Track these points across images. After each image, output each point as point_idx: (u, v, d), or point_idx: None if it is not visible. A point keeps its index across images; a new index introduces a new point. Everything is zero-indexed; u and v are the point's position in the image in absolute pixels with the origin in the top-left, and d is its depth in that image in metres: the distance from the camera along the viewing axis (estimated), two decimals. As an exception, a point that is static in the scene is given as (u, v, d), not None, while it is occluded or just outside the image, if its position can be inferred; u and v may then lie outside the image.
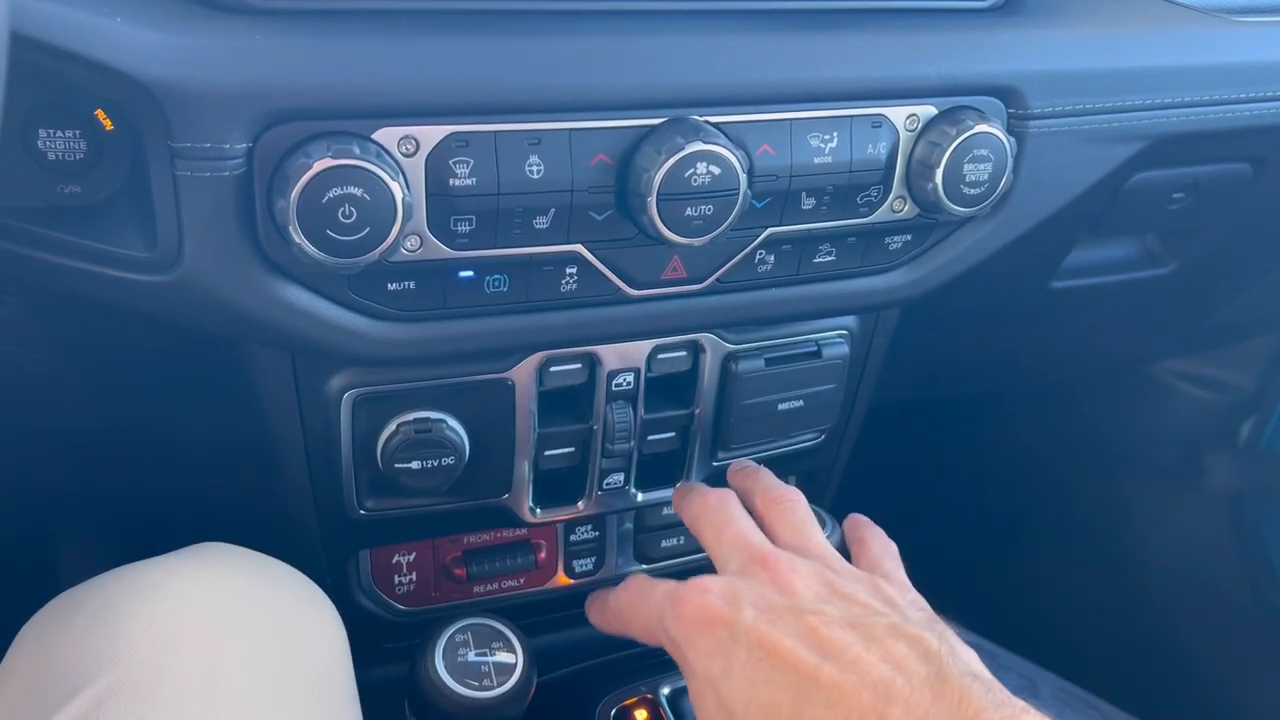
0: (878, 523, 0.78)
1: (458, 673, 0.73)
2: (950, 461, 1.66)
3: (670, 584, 0.67)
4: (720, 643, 0.60)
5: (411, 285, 0.65)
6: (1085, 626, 1.53)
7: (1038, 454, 1.57)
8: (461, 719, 0.72)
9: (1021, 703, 0.53)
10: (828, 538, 0.74)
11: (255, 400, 0.76)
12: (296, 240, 0.57)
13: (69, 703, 0.53)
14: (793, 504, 0.72)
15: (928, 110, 0.71)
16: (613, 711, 0.87)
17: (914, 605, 0.63)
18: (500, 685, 0.73)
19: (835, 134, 0.69)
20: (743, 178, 0.65)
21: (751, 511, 0.74)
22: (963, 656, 0.57)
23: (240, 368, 0.74)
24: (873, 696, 0.54)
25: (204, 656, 0.57)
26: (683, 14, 0.67)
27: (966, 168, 0.70)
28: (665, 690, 0.88)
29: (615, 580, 0.94)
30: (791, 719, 0.55)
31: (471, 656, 0.74)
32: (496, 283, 0.67)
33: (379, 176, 0.57)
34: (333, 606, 0.69)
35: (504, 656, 0.75)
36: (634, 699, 0.88)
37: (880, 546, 0.72)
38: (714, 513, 0.71)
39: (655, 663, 0.85)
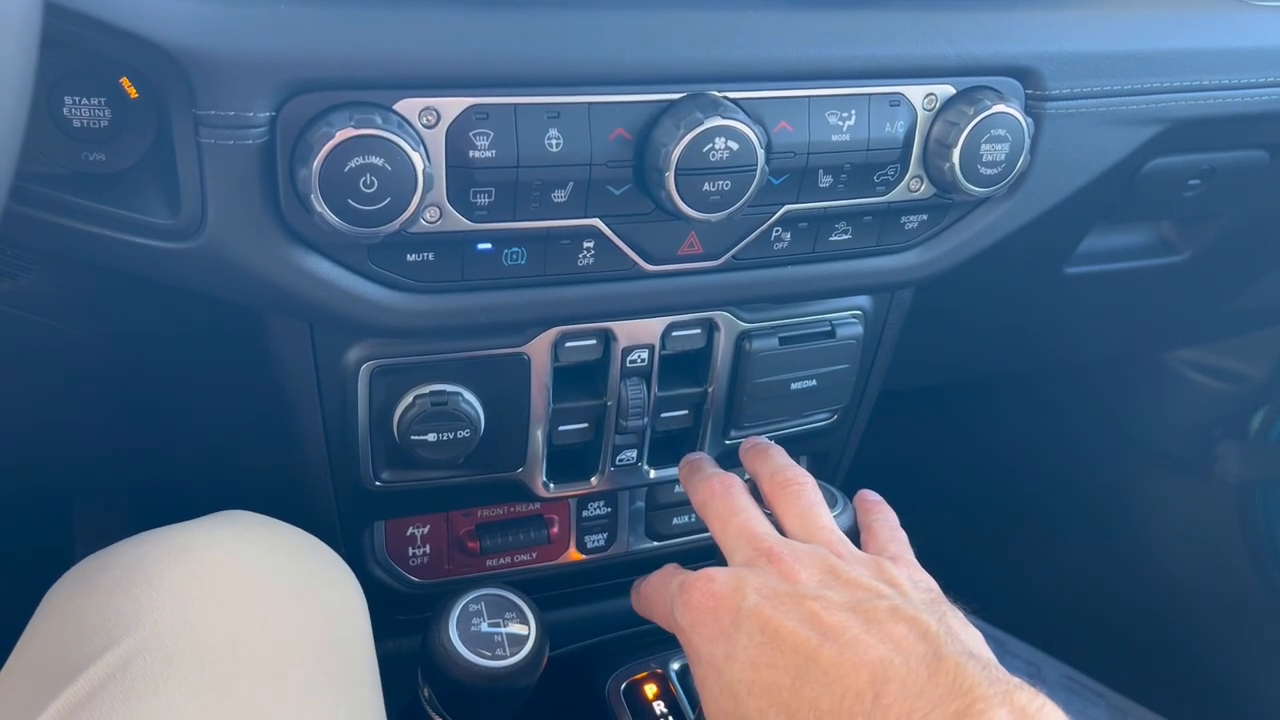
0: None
1: (471, 642, 0.73)
2: (960, 446, 1.66)
3: (686, 574, 0.68)
4: (724, 628, 0.61)
5: (430, 256, 0.66)
6: (1092, 613, 1.53)
7: (1048, 440, 1.57)
8: (473, 688, 0.73)
9: (1017, 680, 0.54)
10: (839, 516, 0.74)
11: (274, 372, 0.76)
12: (318, 209, 0.58)
13: (94, 663, 0.54)
14: (799, 487, 0.72)
15: (946, 90, 0.71)
16: (622, 686, 0.88)
17: (918, 586, 0.64)
18: (513, 655, 0.73)
19: (853, 112, 0.69)
20: (761, 154, 0.65)
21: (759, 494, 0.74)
22: (960, 637, 0.58)
23: (259, 339, 0.75)
24: (870, 675, 0.55)
25: (227, 620, 0.58)
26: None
27: (983, 148, 0.70)
28: (675, 666, 0.89)
29: (625, 557, 0.95)
30: (792, 698, 0.56)
31: (485, 626, 0.75)
32: (514, 256, 0.68)
33: (400, 147, 0.58)
34: (353, 575, 0.69)
35: (517, 627, 0.75)
36: (644, 674, 0.89)
37: (888, 531, 0.73)
38: (719, 501, 0.71)
39: (665, 638, 0.86)
